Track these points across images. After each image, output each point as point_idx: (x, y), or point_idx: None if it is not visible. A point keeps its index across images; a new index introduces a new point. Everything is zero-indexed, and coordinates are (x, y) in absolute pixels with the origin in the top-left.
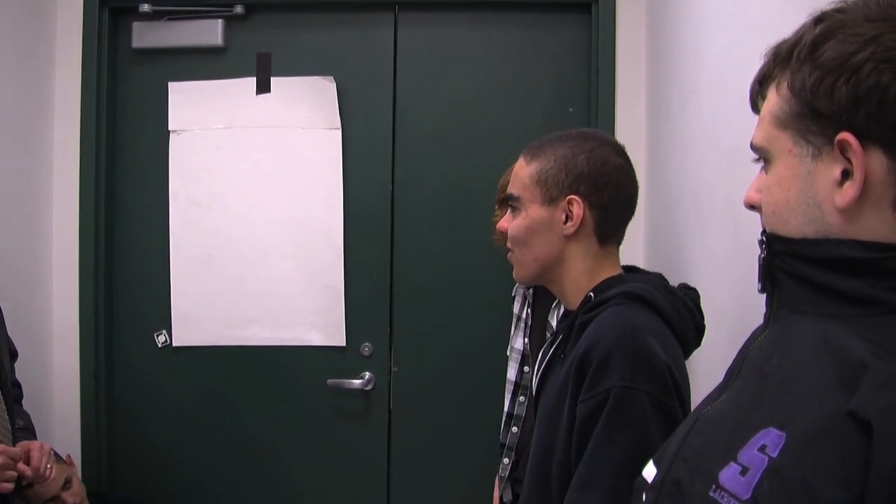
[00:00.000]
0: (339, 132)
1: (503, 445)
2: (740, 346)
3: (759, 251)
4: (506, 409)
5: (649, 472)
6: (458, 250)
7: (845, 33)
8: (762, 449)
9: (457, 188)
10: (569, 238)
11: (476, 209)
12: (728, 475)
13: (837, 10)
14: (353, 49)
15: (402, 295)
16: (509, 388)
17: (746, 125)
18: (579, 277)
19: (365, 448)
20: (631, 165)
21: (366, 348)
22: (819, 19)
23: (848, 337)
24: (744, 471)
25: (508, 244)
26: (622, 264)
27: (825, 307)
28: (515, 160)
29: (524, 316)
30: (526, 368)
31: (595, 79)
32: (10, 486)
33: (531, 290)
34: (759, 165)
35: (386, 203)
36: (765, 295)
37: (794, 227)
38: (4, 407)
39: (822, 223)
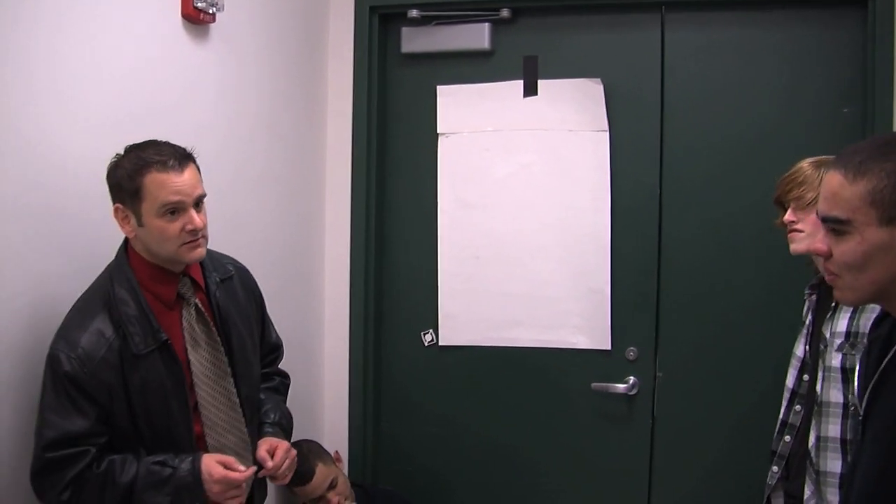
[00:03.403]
0: (607, 134)
1: (774, 453)
2: None
3: None
4: (782, 417)
5: None
6: (728, 254)
7: None
8: None
9: (727, 190)
10: None
11: (748, 212)
12: None
13: None
14: (620, 50)
15: (670, 299)
16: (786, 396)
17: None
18: None
19: (627, 453)
20: None
21: (631, 352)
22: None
23: None
24: None
25: (831, 268)
26: None
27: None
28: (790, 161)
29: (807, 322)
30: (805, 377)
31: (871, 77)
32: (236, 502)
33: (814, 297)
34: None
35: (654, 206)
36: None
37: None
38: (244, 418)
39: None
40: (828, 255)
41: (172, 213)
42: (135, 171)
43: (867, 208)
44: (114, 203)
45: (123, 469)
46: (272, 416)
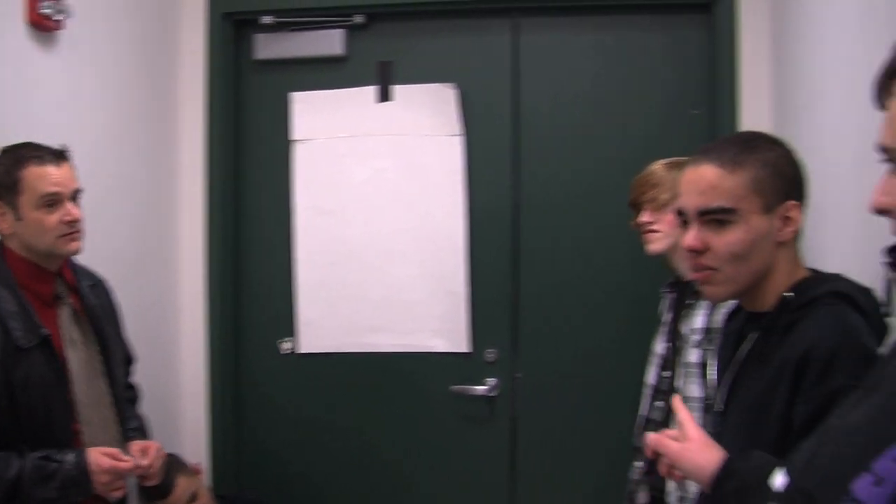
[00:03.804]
0: (461, 139)
1: (637, 449)
2: None
3: (884, 266)
4: (644, 413)
5: (778, 480)
6: (582, 254)
7: None
8: None
9: (580, 192)
10: (780, 244)
11: (601, 212)
12: (861, 485)
13: None
14: (474, 56)
15: (527, 300)
16: (647, 392)
17: (876, 126)
18: (782, 281)
19: (488, 454)
20: None
21: (490, 354)
22: None
23: None
24: (878, 481)
25: (708, 262)
26: None
27: None
28: (643, 163)
29: (667, 320)
30: (666, 373)
31: (716, 80)
32: (119, 493)
33: (674, 295)
34: (886, 167)
35: (508, 208)
36: None
37: None
38: (117, 417)
39: None
40: (702, 250)
41: (50, 205)
42: (13, 166)
43: (752, 196)
44: None
45: (8, 465)
46: (133, 423)
